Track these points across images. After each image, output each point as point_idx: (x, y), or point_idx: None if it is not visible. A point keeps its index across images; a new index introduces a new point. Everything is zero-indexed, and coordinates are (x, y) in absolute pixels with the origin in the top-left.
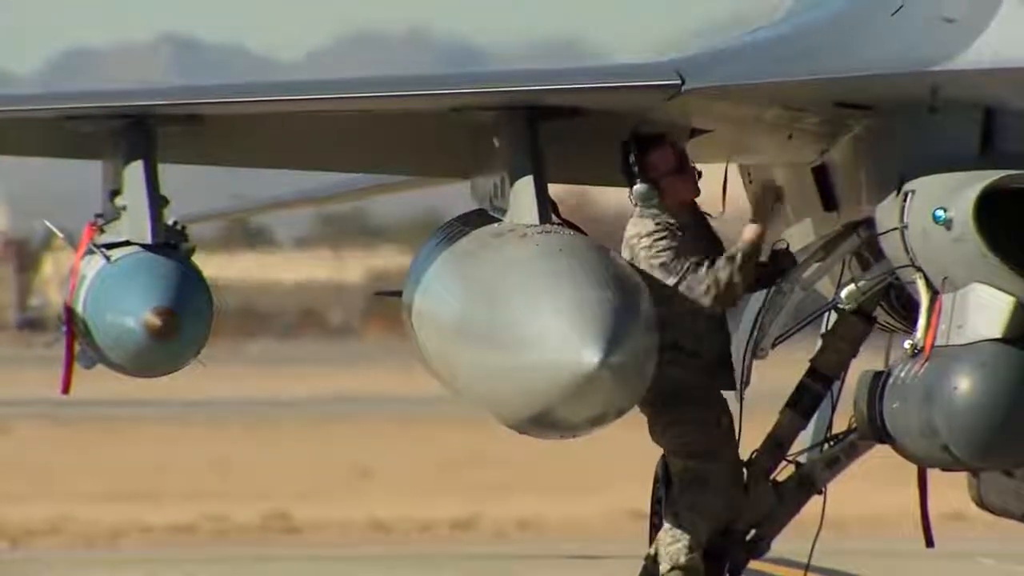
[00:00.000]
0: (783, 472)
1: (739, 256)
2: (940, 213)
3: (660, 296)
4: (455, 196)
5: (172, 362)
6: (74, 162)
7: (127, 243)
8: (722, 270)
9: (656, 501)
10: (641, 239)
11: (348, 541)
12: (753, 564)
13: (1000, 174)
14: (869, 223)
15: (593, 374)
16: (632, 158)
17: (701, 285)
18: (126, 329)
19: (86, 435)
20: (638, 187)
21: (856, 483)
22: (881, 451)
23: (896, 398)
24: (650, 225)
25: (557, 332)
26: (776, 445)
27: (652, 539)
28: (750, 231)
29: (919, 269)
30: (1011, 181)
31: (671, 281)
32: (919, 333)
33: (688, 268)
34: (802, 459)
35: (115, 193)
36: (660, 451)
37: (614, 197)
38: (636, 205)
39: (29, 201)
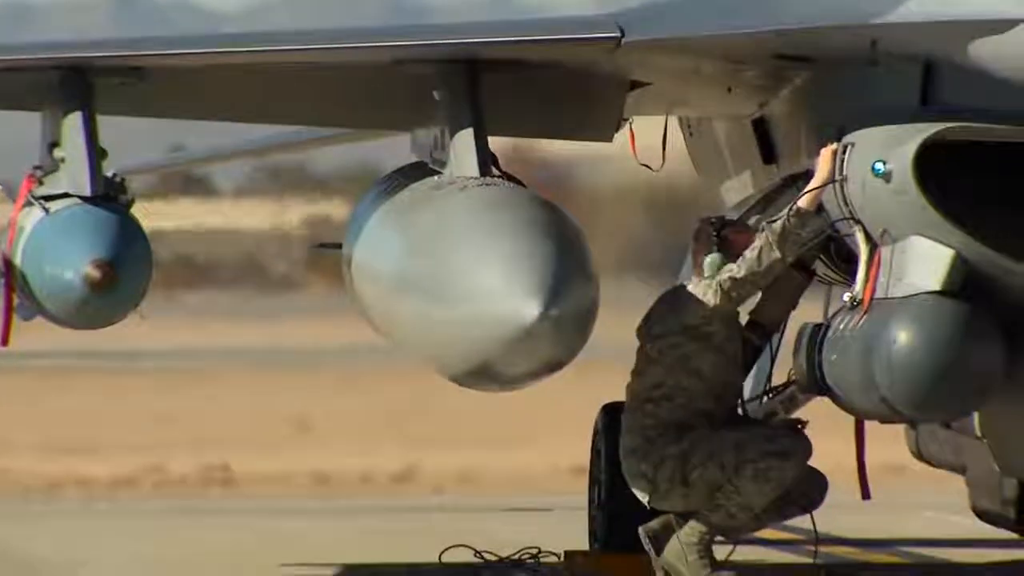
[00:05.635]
0: None
1: (778, 226)
2: (879, 166)
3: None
4: (395, 148)
5: (112, 314)
6: (13, 113)
7: (66, 195)
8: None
9: (595, 453)
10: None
11: (288, 493)
12: None
13: (940, 127)
14: (808, 176)
15: (533, 327)
16: (717, 235)
17: (733, 269)
18: (65, 281)
19: (24, 387)
20: (714, 256)
21: None
22: (819, 403)
23: (835, 350)
24: (709, 294)
25: (497, 285)
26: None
27: (592, 491)
28: (802, 201)
29: (858, 222)
30: (951, 134)
31: (717, 299)
32: (858, 286)
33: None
34: (739, 411)
35: (54, 145)
36: (601, 402)
37: (554, 149)
38: (703, 273)
39: None
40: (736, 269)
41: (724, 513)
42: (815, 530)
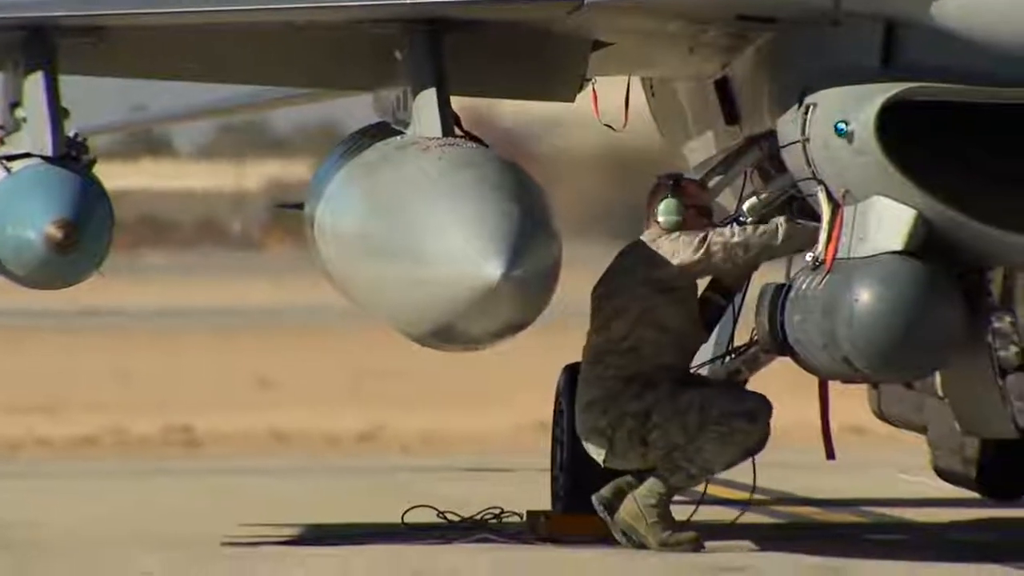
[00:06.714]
0: None
1: (767, 228)
2: (842, 126)
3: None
4: (357, 109)
5: (73, 274)
6: None
7: (27, 155)
8: (740, 233)
9: (558, 413)
10: (669, 248)
11: (250, 452)
12: None
13: (902, 87)
14: (771, 136)
15: (495, 287)
16: (676, 184)
17: (716, 241)
18: (26, 241)
19: None
20: (668, 200)
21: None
22: (782, 363)
23: (798, 311)
24: (673, 240)
25: (459, 245)
26: None
27: (554, 452)
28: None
29: (821, 182)
30: (912, 94)
31: (696, 255)
32: (820, 246)
33: (709, 235)
34: (704, 371)
35: (15, 105)
36: (563, 362)
37: (517, 110)
38: (658, 222)
39: None
40: (696, 255)
41: (684, 475)
42: (754, 481)
